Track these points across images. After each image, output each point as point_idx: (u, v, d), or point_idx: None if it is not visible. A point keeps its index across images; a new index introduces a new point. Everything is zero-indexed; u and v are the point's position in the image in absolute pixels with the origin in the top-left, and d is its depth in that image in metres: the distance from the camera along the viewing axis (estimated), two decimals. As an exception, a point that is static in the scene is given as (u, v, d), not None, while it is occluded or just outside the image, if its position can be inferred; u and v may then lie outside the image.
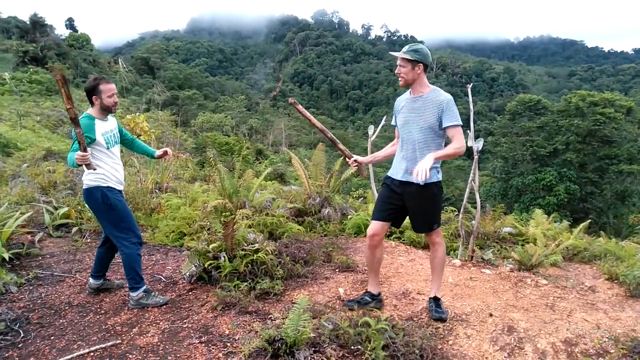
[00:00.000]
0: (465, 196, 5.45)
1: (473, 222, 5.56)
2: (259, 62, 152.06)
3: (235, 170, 6.46)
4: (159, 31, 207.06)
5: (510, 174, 33.61)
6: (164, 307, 3.79)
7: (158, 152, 4.21)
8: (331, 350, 2.91)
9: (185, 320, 3.53)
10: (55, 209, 6.24)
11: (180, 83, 70.66)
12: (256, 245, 4.26)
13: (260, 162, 22.63)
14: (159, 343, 3.19)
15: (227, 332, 3.31)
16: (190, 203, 6.40)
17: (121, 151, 4.16)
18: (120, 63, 58.49)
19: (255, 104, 78.54)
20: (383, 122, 6.62)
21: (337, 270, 4.69)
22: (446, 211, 7.35)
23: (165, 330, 3.39)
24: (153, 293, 3.91)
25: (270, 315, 3.48)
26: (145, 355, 3.03)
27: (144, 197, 6.69)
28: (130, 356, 3.02)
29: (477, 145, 4.98)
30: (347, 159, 3.88)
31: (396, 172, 3.52)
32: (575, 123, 30.92)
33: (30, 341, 3.25)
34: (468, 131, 5.07)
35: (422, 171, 3.00)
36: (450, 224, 6.58)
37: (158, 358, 3.00)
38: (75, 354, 3.03)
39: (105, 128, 3.71)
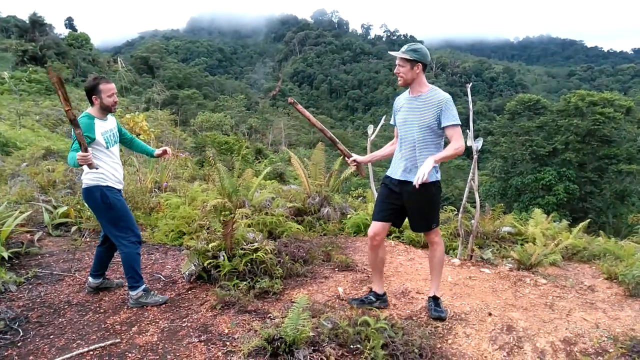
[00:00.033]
0: (465, 195, 5.46)
1: (472, 221, 5.56)
2: (258, 61, 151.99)
3: (235, 170, 6.46)
4: (158, 30, 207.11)
5: (510, 174, 33.65)
6: (163, 306, 3.79)
7: (157, 151, 4.20)
8: (330, 349, 2.91)
9: (184, 319, 3.53)
10: (55, 208, 6.24)
11: (180, 82, 70.61)
12: (255, 244, 4.26)
13: (259, 162, 22.64)
14: (158, 342, 3.19)
15: (226, 331, 3.32)
16: (189, 202, 6.40)
17: (120, 150, 4.17)
18: (119, 62, 58.51)
19: (254, 104, 78.56)
20: (382, 121, 6.61)
21: (336, 269, 4.69)
22: (445, 210, 7.36)
23: (164, 329, 3.39)
24: (152, 292, 3.91)
25: (269, 314, 3.48)
26: (144, 354, 3.03)
27: (144, 196, 6.68)
28: (129, 355, 3.02)
29: (477, 144, 4.98)
30: (346, 159, 3.89)
31: (395, 171, 3.52)
32: (575, 123, 30.95)
33: (29, 340, 3.25)
34: (467, 131, 5.07)
35: (422, 176, 3.02)
36: (450, 223, 6.58)
37: (157, 357, 3.00)
38: (74, 353, 3.03)
39: (105, 127, 3.70)
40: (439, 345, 3.18)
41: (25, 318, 3.56)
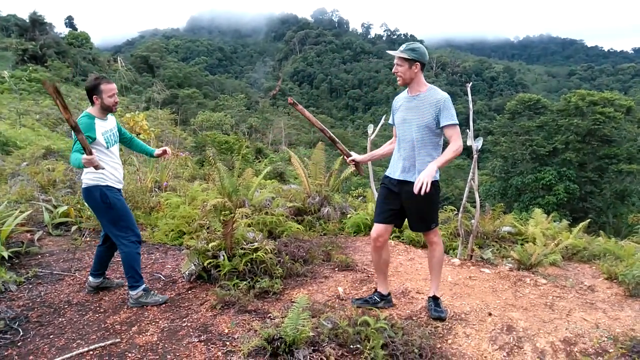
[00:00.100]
0: (465, 195, 5.45)
1: (472, 221, 5.56)
2: (258, 60, 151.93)
3: (235, 169, 6.46)
4: (158, 29, 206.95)
5: (510, 173, 33.65)
6: (163, 305, 3.79)
7: (157, 151, 4.20)
8: (330, 349, 2.91)
9: (184, 319, 3.53)
10: (55, 207, 6.24)
11: (180, 81, 70.61)
12: (255, 244, 4.26)
13: (259, 161, 22.64)
14: (158, 342, 3.19)
15: (226, 331, 3.32)
16: (189, 202, 6.40)
17: (120, 150, 4.17)
18: (119, 61, 58.49)
19: (254, 103, 78.53)
20: (383, 121, 6.60)
21: (336, 269, 4.69)
22: (445, 210, 7.35)
23: (164, 329, 3.39)
24: (152, 292, 3.91)
25: (269, 314, 3.48)
26: (144, 354, 3.03)
27: (144, 196, 6.69)
28: (129, 355, 3.02)
29: (477, 144, 4.98)
30: (345, 158, 3.90)
31: (394, 171, 3.52)
32: (575, 122, 30.95)
33: (29, 340, 3.25)
34: (467, 130, 5.07)
35: (425, 184, 3.03)
36: (450, 223, 6.58)
37: (157, 357, 3.00)
38: (74, 353, 3.03)
39: (105, 127, 3.70)
40: (438, 345, 3.18)
41: (25, 318, 3.57)
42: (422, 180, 3.05)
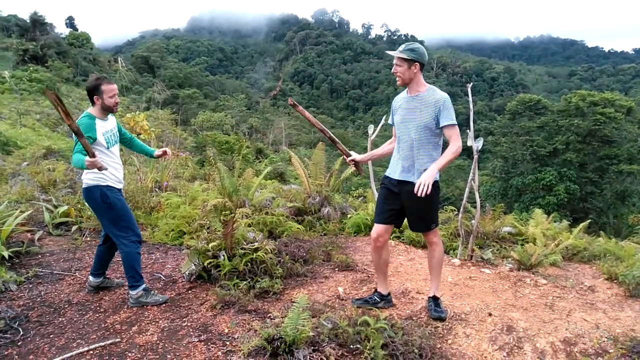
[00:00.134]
0: (465, 196, 5.45)
1: (473, 221, 5.56)
2: (259, 61, 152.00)
3: (235, 169, 6.46)
4: (159, 30, 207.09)
5: (510, 174, 33.64)
6: (164, 305, 3.79)
7: (157, 152, 4.20)
8: (330, 349, 2.91)
9: (184, 319, 3.53)
10: (55, 207, 6.24)
11: (180, 82, 70.63)
12: (256, 244, 4.26)
13: (260, 161, 22.64)
14: (158, 341, 3.19)
15: (226, 330, 3.32)
16: (190, 202, 6.40)
17: (121, 150, 4.17)
18: (120, 62, 58.54)
19: (255, 103, 78.56)
20: (383, 121, 6.60)
21: (336, 269, 4.69)
22: (446, 210, 7.35)
23: (164, 328, 3.39)
24: (152, 292, 3.91)
25: (269, 314, 3.48)
26: (144, 353, 3.03)
27: (144, 196, 6.69)
28: (129, 354, 3.02)
29: (477, 144, 4.98)
30: (345, 157, 3.90)
31: (393, 171, 3.53)
32: (576, 123, 30.94)
33: (29, 339, 3.25)
34: (468, 131, 5.07)
35: (425, 186, 3.04)
36: (450, 223, 6.58)
37: (157, 356, 3.00)
38: (74, 352, 3.03)
39: (106, 127, 3.71)
40: (438, 346, 3.18)
41: (25, 317, 3.57)
42: (423, 182, 3.06)
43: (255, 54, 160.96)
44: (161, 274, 4.56)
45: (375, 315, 3.39)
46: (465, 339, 3.29)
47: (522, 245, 5.72)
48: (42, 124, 22.48)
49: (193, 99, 57.47)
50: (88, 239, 5.70)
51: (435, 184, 3.40)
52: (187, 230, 5.61)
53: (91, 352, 3.05)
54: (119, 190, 3.83)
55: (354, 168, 4.01)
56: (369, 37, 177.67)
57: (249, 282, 3.99)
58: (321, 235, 6.09)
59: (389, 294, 3.84)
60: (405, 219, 3.65)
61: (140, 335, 3.28)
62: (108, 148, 3.70)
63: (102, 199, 3.63)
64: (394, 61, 3.34)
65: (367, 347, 2.93)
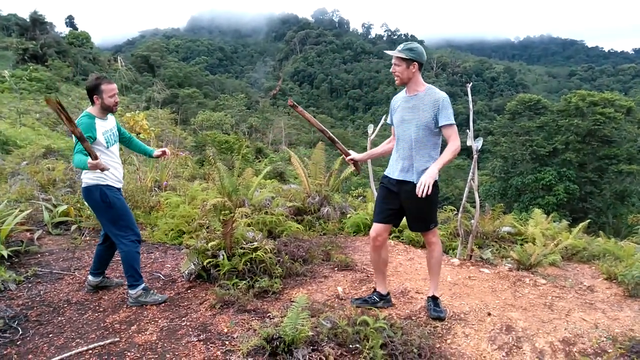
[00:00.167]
0: (465, 195, 5.45)
1: (472, 221, 5.56)
2: (259, 60, 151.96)
3: (235, 169, 6.47)
4: (159, 29, 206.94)
5: (510, 174, 33.65)
6: (163, 305, 3.79)
7: (156, 152, 4.20)
8: (329, 348, 2.91)
9: (183, 319, 3.53)
10: (55, 206, 6.24)
11: (180, 81, 70.67)
12: (255, 243, 4.26)
13: (259, 161, 22.65)
14: (157, 341, 3.19)
15: (225, 330, 3.32)
16: (189, 201, 6.40)
17: (120, 149, 4.17)
18: (119, 61, 58.51)
19: (255, 103, 78.55)
20: (383, 121, 6.59)
21: (335, 269, 4.69)
22: (445, 210, 7.36)
23: (163, 328, 3.39)
24: (152, 291, 3.91)
25: (268, 314, 3.48)
26: (143, 353, 3.03)
27: (143, 195, 6.68)
28: (128, 354, 3.02)
29: (477, 144, 4.98)
30: (344, 156, 3.91)
31: (392, 170, 3.53)
32: (575, 123, 30.95)
33: (28, 339, 3.25)
34: (467, 130, 5.07)
35: (426, 186, 3.05)
36: (449, 223, 6.59)
37: (156, 356, 3.00)
38: (73, 352, 3.03)
39: (105, 127, 3.71)
40: (438, 345, 3.18)
41: (24, 317, 3.57)
42: (424, 182, 3.07)
43: (255, 53, 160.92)
44: (160, 273, 4.56)
45: (374, 314, 3.39)
46: (464, 339, 3.29)
47: (521, 245, 5.72)
48: (42, 123, 22.47)
49: (193, 98, 57.47)
50: (87, 238, 5.70)
51: (435, 183, 3.40)
52: (187, 229, 5.61)
53: (90, 351, 3.05)
54: (119, 189, 3.83)
55: (353, 167, 4.02)
56: (369, 36, 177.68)
57: (248, 282, 3.99)
58: (320, 234, 6.09)
59: (388, 293, 3.84)
60: (404, 218, 3.65)
61: (140, 335, 3.28)
62: (108, 147, 3.70)
63: (101, 198, 3.63)
64: (393, 61, 3.35)
65: (366, 347, 2.93)
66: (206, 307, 3.71)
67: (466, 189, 5.42)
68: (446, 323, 3.51)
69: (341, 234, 6.25)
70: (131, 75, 53.99)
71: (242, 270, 4.08)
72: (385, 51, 3.63)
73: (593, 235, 7.12)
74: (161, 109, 33.59)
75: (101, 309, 3.73)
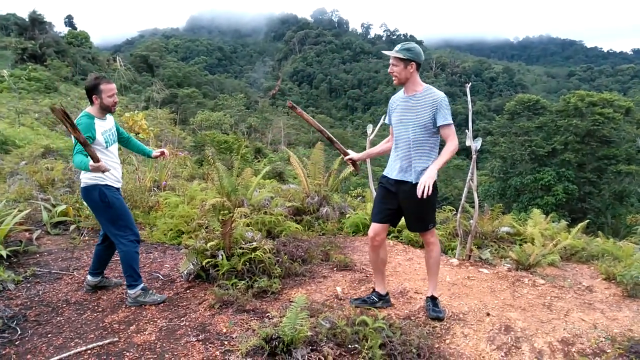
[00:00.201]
0: (464, 195, 5.45)
1: (471, 221, 5.56)
2: (258, 60, 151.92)
3: (234, 169, 6.46)
4: (158, 29, 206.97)
5: (509, 174, 33.67)
6: (162, 305, 3.79)
7: (155, 152, 4.20)
8: (328, 348, 2.91)
9: (182, 319, 3.53)
10: (53, 206, 6.23)
11: (179, 81, 70.62)
12: (254, 243, 4.26)
13: (259, 161, 22.64)
14: (156, 341, 3.19)
15: (224, 330, 3.32)
16: (188, 201, 6.40)
17: (119, 149, 4.16)
18: (118, 61, 58.46)
19: (254, 103, 78.53)
20: (382, 121, 6.59)
21: (334, 269, 4.69)
22: (444, 210, 7.35)
23: (162, 328, 3.39)
24: (151, 291, 3.91)
25: (267, 314, 3.48)
26: (142, 353, 3.03)
27: (142, 195, 6.68)
28: (127, 354, 3.02)
29: (476, 144, 4.98)
30: (342, 156, 3.92)
31: (391, 170, 3.53)
32: (574, 123, 30.98)
33: (27, 338, 3.25)
34: (466, 131, 5.07)
35: (426, 187, 3.06)
36: (448, 223, 6.58)
37: (155, 356, 3.00)
38: (72, 352, 3.03)
39: (104, 127, 3.71)
40: (436, 345, 3.18)
41: (23, 317, 3.56)
42: (424, 183, 3.07)
43: (255, 53, 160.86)
44: (159, 273, 4.56)
45: (373, 315, 3.39)
46: (463, 339, 3.29)
47: (520, 245, 5.72)
48: (41, 122, 22.45)
49: (192, 98, 57.46)
50: (86, 238, 5.70)
51: (434, 184, 3.41)
52: (186, 229, 5.61)
53: (89, 351, 3.05)
54: (118, 189, 3.82)
55: (352, 167, 4.03)
56: (368, 36, 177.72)
57: (247, 282, 3.99)
58: (320, 235, 6.09)
59: (387, 293, 3.85)
60: (402, 218, 3.65)
61: (139, 335, 3.28)
62: (107, 147, 3.70)
63: (100, 198, 3.63)
64: (390, 61, 3.35)
65: (365, 347, 2.93)
66: (205, 307, 3.71)
67: (465, 189, 5.43)
68: (445, 323, 3.51)
69: (340, 234, 6.25)
70: (130, 75, 53.96)
71: (241, 270, 4.08)
72: (383, 51, 3.64)
73: (592, 236, 7.12)
74: (160, 108, 33.59)
75: (100, 309, 3.73)
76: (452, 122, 3.29)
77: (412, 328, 3.27)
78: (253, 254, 4.12)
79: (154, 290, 4.00)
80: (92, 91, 3.61)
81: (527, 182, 31.10)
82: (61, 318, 3.57)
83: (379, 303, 3.75)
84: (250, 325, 3.31)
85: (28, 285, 4.21)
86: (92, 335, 3.28)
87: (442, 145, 3.39)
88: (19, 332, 3.31)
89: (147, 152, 4.21)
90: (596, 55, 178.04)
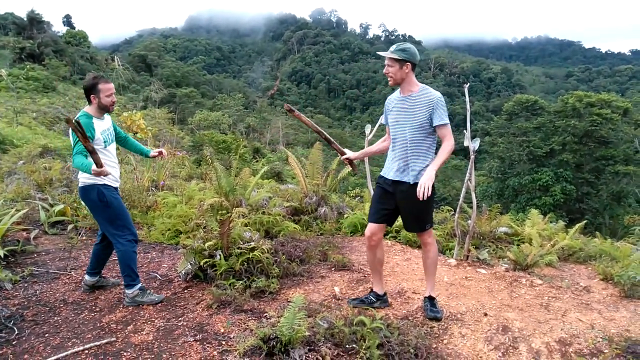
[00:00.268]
0: (462, 196, 5.46)
1: (469, 221, 5.57)
2: (256, 60, 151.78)
3: (232, 169, 6.44)
4: (156, 29, 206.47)
5: (507, 174, 33.69)
6: (159, 305, 3.79)
7: (153, 152, 4.20)
8: (326, 348, 2.91)
9: (180, 319, 3.53)
10: (51, 206, 6.22)
11: (178, 81, 70.48)
12: (252, 243, 4.26)
13: (257, 161, 22.64)
14: (153, 341, 3.18)
15: (222, 330, 3.31)
16: (186, 201, 6.39)
17: (118, 149, 4.16)
18: (116, 60, 58.39)
19: (252, 103, 78.42)
20: (380, 121, 6.61)
21: (332, 269, 4.70)
22: (442, 211, 7.36)
23: (160, 328, 3.38)
24: (148, 291, 3.91)
25: (265, 314, 3.48)
26: (140, 353, 3.03)
27: (140, 195, 6.68)
28: (125, 354, 3.02)
29: (474, 145, 4.98)
30: (339, 155, 3.93)
31: (388, 171, 3.54)
32: (572, 124, 31.01)
33: (24, 338, 3.24)
34: (465, 131, 5.08)
35: (426, 189, 3.07)
36: (447, 223, 6.59)
37: (153, 356, 2.99)
38: (69, 352, 3.03)
39: (103, 127, 3.71)
40: (434, 345, 3.19)
41: (20, 316, 3.56)
42: (424, 185, 3.08)
43: (253, 53, 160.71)
44: (157, 273, 4.55)
45: (371, 315, 3.39)
46: (460, 339, 3.29)
47: (518, 245, 5.73)
48: (39, 122, 22.41)
49: (190, 98, 57.36)
50: (84, 237, 5.69)
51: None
52: (184, 229, 5.60)
53: (86, 351, 3.05)
54: (116, 189, 3.82)
55: (349, 166, 4.03)
56: (367, 37, 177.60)
57: (245, 282, 3.99)
58: (318, 235, 6.09)
59: (385, 293, 3.85)
60: (397, 217, 3.66)
61: (136, 335, 3.27)
62: (105, 147, 3.70)
63: (98, 198, 3.63)
64: (385, 62, 3.36)
65: (363, 347, 2.93)
66: (203, 307, 3.70)
67: (463, 190, 5.43)
68: (443, 323, 3.51)
69: (338, 234, 6.25)
70: (128, 75, 53.95)
71: (239, 270, 4.08)
72: (378, 52, 3.64)
73: (589, 236, 7.13)
74: (158, 108, 33.58)
75: (97, 309, 3.73)
76: (448, 121, 3.30)
77: (409, 328, 3.27)
78: (251, 254, 4.12)
79: (152, 290, 4.00)
80: (90, 91, 3.61)
81: (525, 183, 31.12)
82: (58, 318, 3.57)
83: (377, 303, 3.75)
84: (248, 325, 3.31)
85: (25, 284, 4.20)
86: (90, 335, 3.27)
87: (438, 145, 3.40)
88: (16, 332, 3.31)
89: (145, 151, 4.20)
90: (594, 56, 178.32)
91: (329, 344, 2.99)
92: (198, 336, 3.23)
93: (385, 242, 5.71)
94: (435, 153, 3.38)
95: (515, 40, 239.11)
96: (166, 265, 4.78)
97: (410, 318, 3.58)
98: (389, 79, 3.39)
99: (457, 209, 5.57)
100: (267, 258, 4.20)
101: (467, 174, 5.22)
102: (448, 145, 3.27)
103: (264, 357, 2.84)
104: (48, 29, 55.07)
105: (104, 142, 3.67)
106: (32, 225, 5.85)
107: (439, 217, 7.02)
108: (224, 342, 3.12)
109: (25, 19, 54.17)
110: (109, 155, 3.76)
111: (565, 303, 4.03)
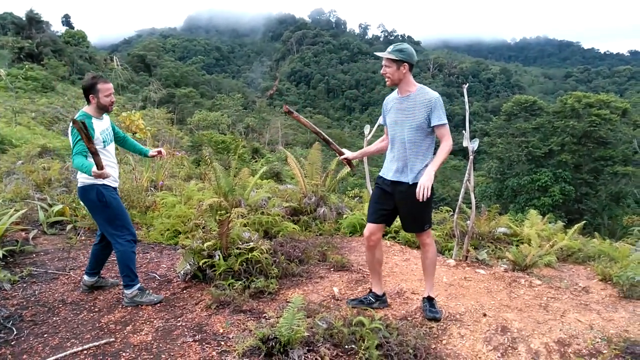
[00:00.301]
0: (461, 196, 5.46)
1: (468, 222, 5.57)
2: (255, 60, 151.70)
3: (231, 169, 6.44)
4: (155, 28, 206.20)
5: (506, 175, 33.73)
6: (158, 305, 3.78)
7: (152, 152, 4.20)
8: (325, 349, 2.91)
9: (179, 319, 3.53)
10: (50, 206, 6.22)
11: (177, 81, 70.39)
12: (251, 244, 4.26)
13: (256, 161, 22.64)
14: (152, 341, 3.18)
15: (221, 330, 3.31)
16: (185, 201, 6.39)
17: (116, 149, 4.16)
18: (115, 60, 58.34)
19: (251, 103, 78.34)
20: (379, 121, 6.61)
21: (332, 269, 4.70)
22: (441, 211, 7.36)
23: (159, 328, 3.38)
24: (147, 291, 3.90)
25: (264, 314, 3.48)
26: (138, 353, 3.03)
27: (139, 195, 6.67)
28: (123, 354, 3.01)
29: (473, 145, 4.99)
30: (337, 155, 3.94)
31: (387, 171, 3.54)
32: (571, 124, 31.05)
33: (23, 339, 3.24)
34: (464, 131, 5.08)
35: (426, 189, 3.09)
36: (445, 224, 6.59)
37: (152, 356, 2.99)
38: (68, 352, 3.03)
39: (102, 127, 3.71)
40: (433, 346, 3.19)
41: (19, 317, 3.55)
42: (423, 186, 3.09)
43: (252, 53, 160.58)
44: (156, 273, 4.55)
45: (370, 315, 3.40)
46: (459, 340, 3.30)
47: (517, 246, 5.73)
48: (38, 122, 22.36)
49: (189, 98, 57.27)
50: (83, 238, 5.68)
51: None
52: (183, 229, 5.60)
53: (85, 351, 3.05)
54: (115, 189, 3.82)
55: (348, 167, 4.04)
56: (366, 37, 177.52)
57: (244, 282, 3.99)
58: (317, 235, 6.09)
59: (384, 294, 3.85)
60: (396, 217, 3.66)
61: (135, 335, 3.27)
62: (104, 147, 3.70)
63: (97, 198, 3.63)
64: (383, 62, 3.37)
65: (362, 348, 2.93)
66: (202, 308, 3.70)
67: (462, 190, 5.43)
68: (442, 324, 3.51)
69: (337, 234, 6.25)
70: (127, 75, 53.88)
71: (238, 271, 4.08)
72: (375, 53, 3.64)
73: (588, 237, 7.14)
74: (157, 108, 33.49)
75: (96, 309, 3.72)
76: (446, 121, 3.31)
77: (409, 328, 3.27)
78: (250, 254, 4.12)
79: (151, 291, 3.99)
80: (89, 90, 3.61)
81: (524, 183, 31.16)
82: (57, 318, 3.56)
83: (376, 304, 3.76)
84: (247, 326, 3.31)
85: (24, 285, 4.20)
86: (89, 336, 3.27)
87: (437, 145, 3.40)
88: (15, 332, 3.30)
89: (144, 151, 4.20)
90: (593, 56, 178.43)
91: (328, 344, 2.99)
92: (197, 336, 3.23)
93: (384, 243, 5.71)
94: (434, 153, 3.38)
95: (514, 41, 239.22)
96: (165, 266, 4.77)
97: (409, 318, 3.58)
98: (386, 79, 3.40)
99: (456, 210, 5.57)
100: (266, 258, 4.20)
101: (466, 175, 5.22)
102: (447, 145, 3.28)
103: (263, 357, 2.84)
104: (47, 28, 54.95)
105: (103, 142, 3.67)
106: (31, 225, 5.84)
107: (437, 217, 7.02)
108: (222, 343, 3.12)
109: (24, 19, 54.06)
110: (108, 155, 3.75)
111: (564, 303, 4.03)
